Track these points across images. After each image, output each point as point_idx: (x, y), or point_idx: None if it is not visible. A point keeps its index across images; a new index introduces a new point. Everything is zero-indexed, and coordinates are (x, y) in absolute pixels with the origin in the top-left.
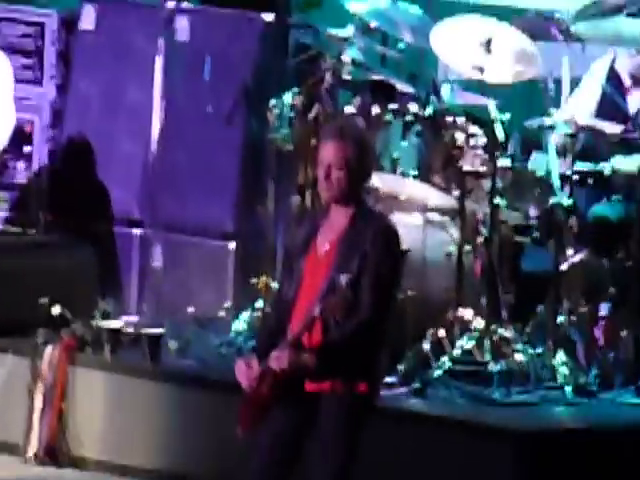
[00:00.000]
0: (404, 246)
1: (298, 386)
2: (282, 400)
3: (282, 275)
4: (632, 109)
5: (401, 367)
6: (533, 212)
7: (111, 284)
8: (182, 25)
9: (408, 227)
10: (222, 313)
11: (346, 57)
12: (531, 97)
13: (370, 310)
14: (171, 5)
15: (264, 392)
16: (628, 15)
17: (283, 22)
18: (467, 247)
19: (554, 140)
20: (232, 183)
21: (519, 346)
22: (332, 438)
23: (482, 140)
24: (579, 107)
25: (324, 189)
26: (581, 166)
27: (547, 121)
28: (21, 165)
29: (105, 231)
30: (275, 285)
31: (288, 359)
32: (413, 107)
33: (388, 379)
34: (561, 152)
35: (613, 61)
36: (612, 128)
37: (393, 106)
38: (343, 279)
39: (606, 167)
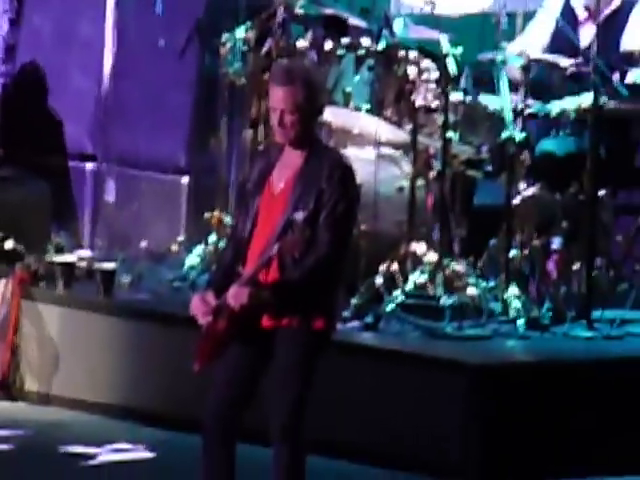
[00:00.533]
0: (358, 181)
1: (255, 322)
2: (239, 335)
3: (237, 212)
4: (584, 42)
5: (354, 301)
6: (485, 146)
7: (64, 218)
8: None
9: (361, 161)
10: (175, 247)
11: None
12: (483, 31)
13: (328, 247)
14: None
15: (221, 328)
16: None
17: None
18: (419, 181)
19: (506, 74)
20: (185, 117)
21: (471, 280)
22: (288, 372)
23: (434, 74)
24: (532, 41)
25: (279, 134)
26: (533, 102)
27: (499, 55)
28: None
29: (58, 165)
30: (228, 220)
31: (247, 295)
32: (366, 41)
33: (342, 313)
34: (513, 86)
35: None
36: (564, 61)
37: (345, 40)
38: (299, 216)
39: (555, 106)
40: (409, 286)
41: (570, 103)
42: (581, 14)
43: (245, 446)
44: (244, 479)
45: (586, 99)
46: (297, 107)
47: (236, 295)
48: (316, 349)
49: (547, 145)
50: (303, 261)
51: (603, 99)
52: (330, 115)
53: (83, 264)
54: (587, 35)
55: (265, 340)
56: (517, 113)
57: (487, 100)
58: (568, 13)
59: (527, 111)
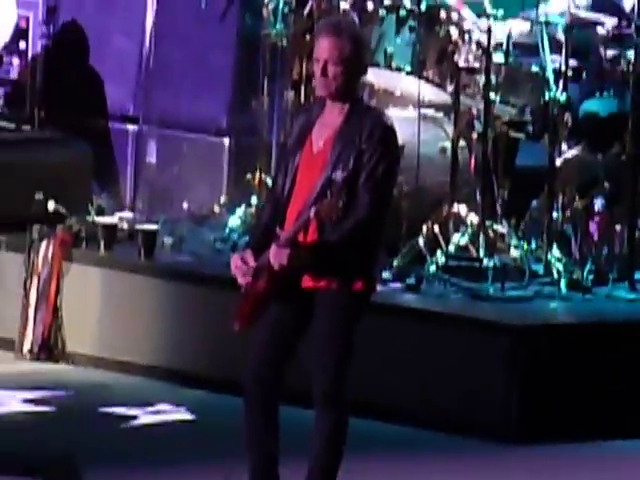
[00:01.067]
0: (399, 141)
1: (295, 282)
2: (279, 296)
3: (277, 171)
4: (627, 5)
5: (396, 262)
6: (527, 107)
7: (106, 180)
8: None
9: (403, 122)
10: (217, 209)
11: None
12: None
13: (367, 209)
14: None
15: (261, 287)
16: None
17: None
18: (461, 143)
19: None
20: (226, 79)
21: (514, 241)
22: (329, 335)
23: (477, 35)
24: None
25: (321, 85)
26: (575, 61)
27: (540, 14)
28: (16, 61)
29: (100, 127)
30: (269, 181)
31: (287, 255)
32: (407, 2)
33: (383, 274)
34: (556, 46)
35: None
36: (607, 21)
37: (387, 1)
38: (339, 176)
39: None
40: (451, 247)
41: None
42: None
43: (289, 408)
44: (288, 440)
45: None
46: (342, 59)
47: (275, 255)
48: (356, 312)
49: (590, 105)
50: (342, 223)
51: None
52: (372, 76)
53: (125, 226)
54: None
55: (305, 301)
56: (559, 73)
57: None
58: None
59: (572, 67)
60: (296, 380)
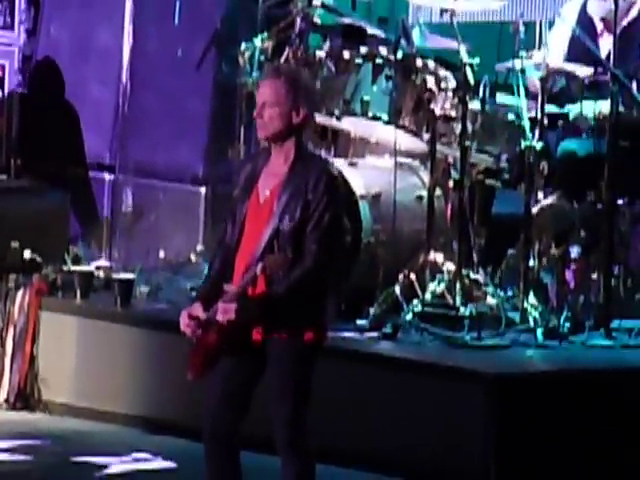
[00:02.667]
0: (376, 189)
1: (245, 335)
2: (230, 348)
3: (225, 220)
4: (602, 52)
5: (373, 311)
6: (504, 155)
7: (82, 229)
8: None
9: (379, 170)
10: (193, 257)
11: (316, 1)
12: (501, 41)
13: (314, 259)
14: None
15: (211, 341)
16: None
17: None
18: (438, 191)
19: (525, 83)
20: (203, 127)
21: (490, 289)
22: (283, 386)
23: (452, 84)
24: (550, 50)
25: (259, 127)
26: (551, 109)
27: (517, 64)
28: None
29: (76, 176)
30: None
31: (234, 311)
32: (383, 51)
33: (359, 322)
34: (532, 95)
35: (584, 5)
36: (583, 71)
37: (364, 50)
38: (285, 227)
39: (573, 109)
40: (428, 295)
41: (588, 108)
42: (598, 25)
43: (253, 454)
44: None
45: (604, 105)
46: (277, 101)
47: (224, 311)
48: (308, 361)
49: (569, 145)
50: (290, 274)
51: (621, 108)
52: (348, 124)
53: (101, 274)
54: (605, 45)
55: (256, 352)
56: (536, 122)
57: (504, 100)
58: (585, 22)
59: (547, 113)
60: (258, 425)
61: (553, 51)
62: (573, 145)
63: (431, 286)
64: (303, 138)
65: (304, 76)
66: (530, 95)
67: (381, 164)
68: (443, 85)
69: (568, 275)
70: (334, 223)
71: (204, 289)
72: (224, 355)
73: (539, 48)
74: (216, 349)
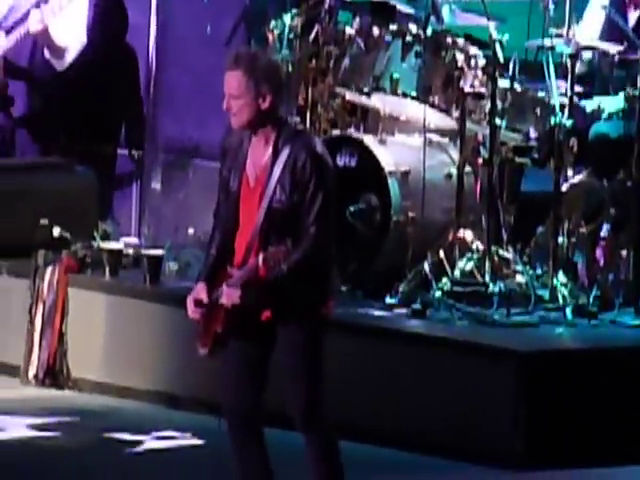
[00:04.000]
0: (405, 167)
1: (252, 316)
2: (238, 329)
3: (218, 199)
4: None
5: (402, 288)
6: (533, 133)
7: (111, 206)
8: None
9: (408, 148)
10: None
11: None
12: (531, 18)
13: (313, 239)
14: None
15: (219, 323)
16: None
17: None
18: (467, 168)
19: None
20: None
21: (519, 267)
22: (296, 364)
23: (482, 61)
24: (581, 28)
25: (231, 118)
26: (581, 87)
27: (547, 42)
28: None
29: (106, 153)
30: None
31: (239, 296)
32: (413, 28)
33: (389, 300)
34: (562, 73)
35: None
36: (612, 48)
37: (393, 27)
38: (277, 208)
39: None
40: (457, 273)
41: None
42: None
43: (279, 431)
44: (282, 464)
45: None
46: (240, 91)
47: (228, 295)
48: (318, 337)
49: (601, 127)
50: (291, 256)
51: None
52: (378, 101)
53: (130, 251)
54: (633, 20)
55: (265, 331)
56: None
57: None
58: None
59: (575, 104)
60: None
61: (584, 29)
62: (605, 127)
63: (460, 263)
64: (281, 116)
65: (263, 58)
66: (561, 73)
67: (410, 141)
68: (472, 62)
69: (598, 253)
70: (326, 201)
71: (207, 269)
72: (234, 336)
73: (569, 25)
74: (224, 330)
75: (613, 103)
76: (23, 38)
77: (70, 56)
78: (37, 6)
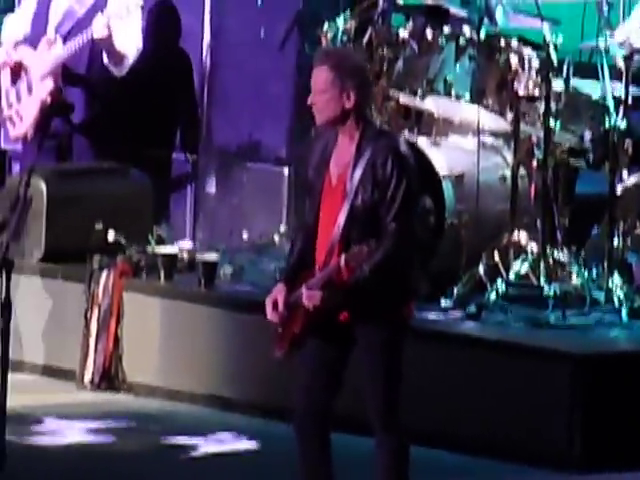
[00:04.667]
0: (459, 169)
1: (332, 317)
2: (317, 330)
3: (305, 201)
4: None
5: (457, 291)
6: (588, 135)
7: (166, 210)
8: None
9: (462, 150)
10: (276, 238)
11: None
12: (585, 20)
13: (393, 239)
14: None
15: (297, 324)
16: None
17: None
18: (521, 171)
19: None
20: (286, 108)
21: (574, 269)
22: (375, 365)
23: (536, 63)
24: (634, 29)
25: (315, 114)
26: (637, 89)
27: (601, 44)
28: None
29: (160, 157)
30: None
31: (320, 298)
32: (467, 31)
33: (444, 303)
34: (616, 74)
35: None
36: None
37: (447, 30)
38: (359, 208)
39: None
40: (512, 275)
41: None
42: None
43: (343, 435)
44: (344, 469)
45: None
46: (325, 88)
47: (309, 297)
48: (398, 340)
49: None
50: (372, 256)
51: None
52: (432, 104)
53: (185, 255)
54: None
55: (344, 332)
56: (620, 102)
57: (586, 86)
58: None
59: (632, 96)
60: (346, 407)
61: (637, 30)
62: None
63: (515, 266)
64: (366, 115)
65: (352, 56)
66: (615, 74)
67: (464, 144)
68: (526, 64)
69: None
70: (408, 198)
71: (288, 270)
72: (311, 336)
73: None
74: (302, 331)
75: None
76: (85, 44)
77: (128, 62)
78: (99, 11)
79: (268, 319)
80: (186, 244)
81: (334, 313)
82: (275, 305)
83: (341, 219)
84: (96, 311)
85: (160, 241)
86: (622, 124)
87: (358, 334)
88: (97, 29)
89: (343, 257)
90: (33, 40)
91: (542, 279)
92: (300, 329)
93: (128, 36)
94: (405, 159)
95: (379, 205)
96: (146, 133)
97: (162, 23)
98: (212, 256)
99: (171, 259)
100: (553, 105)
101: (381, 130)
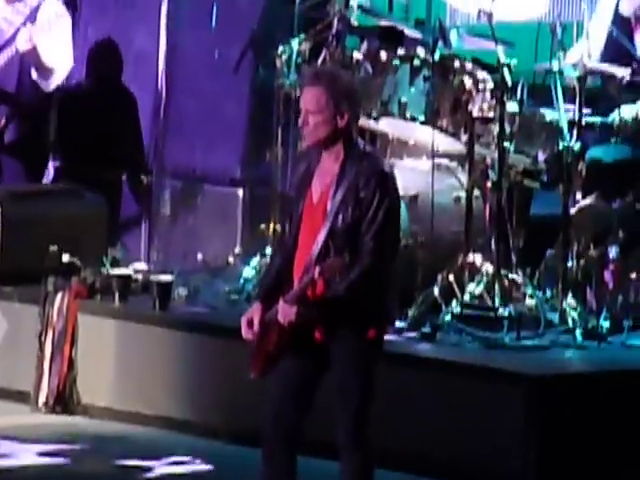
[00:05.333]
0: (413, 191)
1: (306, 335)
2: (291, 348)
3: (284, 219)
4: (638, 51)
5: (411, 312)
6: (541, 156)
7: (120, 232)
8: None
9: (417, 172)
10: (231, 260)
11: (354, 2)
12: (538, 42)
13: (372, 256)
14: None
15: (272, 342)
16: None
17: None
18: (476, 192)
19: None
20: (240, 130)
21: (529, 290)
22: (347, 384)
23: (490, 85)
24: (586, 51)
25: (305, 135)
26: (589, 112)
27: (555, 65)
28: None
29: (114, 179)
30: None
31: (295, 313)
32: (421, 52)
33: (398, 324)
34: (569, 96)
35: (617, 3)
36: (620, 71)
37: (401, 51)
38: (339, 226)
39: (612, 116)
40: (466, 296)
41: (628, 112)
42: (632, 21)
43: (307, 459)
44: None
45: None
46: (319, 108)
47: (284, 313)
48: (371, 358)
49: (595, 152)
50: (348, 273)
51: None
52: (386, 126)
53: (139, 277)
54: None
55: (318, 350)
56: (574, 123)
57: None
58: (619, 20)
59: (585, 120)
60: (315, 430)
61: (589, 51)
62: (599, 152)
63: (470, 287)
64: (353, 136)
65: (344, 77)
66: (567, 97)
67: (419, 166)
68: (481, 86)
69: (607, 275)
70: (389, 218)
71: (265, 289)
72: (285, 354)
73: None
74: (277, 349)
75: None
76: (11, 59)
77: (58, 77)
78: (24, 24)
79: (243, 338)
80: (140, 266)
81: (309, 330)
82: (250, 324)
83: (320, 238)
84: (50, 333)
85: (114, 263)
86: (576, 145)
87: (332, 350)
88: (21, 42)
89: (317, 268)
90: None
91: (497, 300)
92: (274, 347)
93: (55, 49)
94: (388, 180)
95: (359, 223)
96: (92, 154)
97: (103, 58)
98: (167, 278)
99: (125, 281)
100: (507, 127)
101: (365, 151)
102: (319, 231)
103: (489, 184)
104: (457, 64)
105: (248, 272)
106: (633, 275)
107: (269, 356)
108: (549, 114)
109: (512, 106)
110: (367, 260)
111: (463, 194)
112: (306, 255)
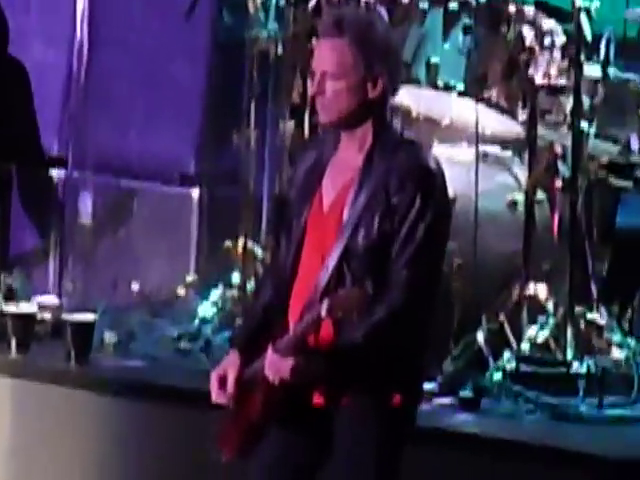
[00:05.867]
0: (449, 193)
1: (303, 399)
2: (280, 418)
3: (275, 236)
4: None
5: (445, 367)
6: (636, 143)
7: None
8: None
9: (454, 165)
10: (181, 291)
11: None
12: None
13: (405, 292)
14: None
15: (255, 408)
16: None
17: None
18: (540, 194)
19: None
20: (194, 104)
21: (616, 337)
22: (357, 469)
23: (561, 39)
24: None
25: (320, 109)
26: None
27: None
28: None
29: (6, 172)
30: (258, 250)
31: (290, 368)
32: None
33: (426, 385)
34: None
35: None
36: None
37: None
38: (359, 246)
39: None
40: (525, 346)
41: None
42: None
43: None
44: None
45: None
46: (344, 70)
47: (275, 367)
48: (393, 435)
49: None
50: (370, 314)
51: None
52: (408, 97)
53: (47, 316)
54: None
55: (318, 423)
56: None
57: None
58: None
59: None
60: None
61: None
62: None
63: (530, 332)
64: (386, 115)
65: (379, 27)
66: None
67: (456, 156)
68: (547, 41)
69: None
70: (432, 238)
71: (246, 334)
72: (273, 427)
73: None
74: (262, 419)
75: None
76: None
77: None
78: None
79: (213, 402)
80: (49, 300)
81: (306, 394)
82: (223, 382)
83: (331, 262)
84: None
85: (10, 296)
86: None
87: (339, 424)
88: None
89: (326, 303)
90: None
91: (569, 351)
92: (258, 417)
93: None
94: (434, 181)
95: (389, 242)
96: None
97: None
98: (87, 317)
99: (27, 322)
100: (586, 100)
101: (402, 138)
102: (330, 251)
103: (559, 183)
104: (512, 9)
105: (206, 310)
106: None
107: (250, 430)
108: None
109: (593, 70)
110: (397, 297)
111: (521, 197)
112: (309, 285)
